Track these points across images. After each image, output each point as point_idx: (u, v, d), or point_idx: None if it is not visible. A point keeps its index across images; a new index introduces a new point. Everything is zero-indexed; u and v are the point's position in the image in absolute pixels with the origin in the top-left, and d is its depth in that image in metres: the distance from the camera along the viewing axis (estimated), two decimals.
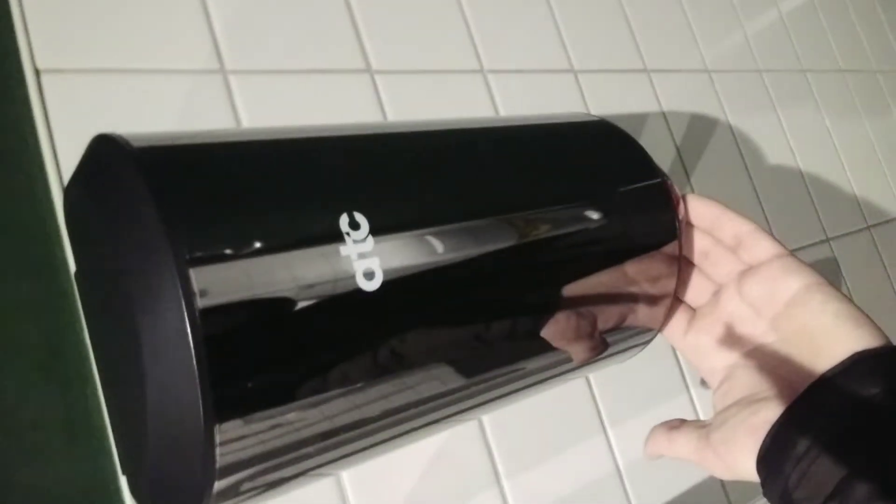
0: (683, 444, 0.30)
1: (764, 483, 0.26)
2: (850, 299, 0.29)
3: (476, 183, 0.28)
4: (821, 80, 0.78)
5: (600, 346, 0.32)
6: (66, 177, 0.31)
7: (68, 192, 0.26)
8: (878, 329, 0.27)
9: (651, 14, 0.62)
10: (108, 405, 0.30)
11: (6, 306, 0.30)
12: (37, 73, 0.32)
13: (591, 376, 0.45)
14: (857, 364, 0.26)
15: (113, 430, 0.30)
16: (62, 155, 0.32)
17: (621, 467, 0.45)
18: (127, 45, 0.35)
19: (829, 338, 0.27)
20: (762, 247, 0.31)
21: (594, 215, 0.30)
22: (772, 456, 0.26)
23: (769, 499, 0.26)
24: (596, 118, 0.36)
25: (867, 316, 0.28)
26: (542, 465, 0.42)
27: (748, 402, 0.28)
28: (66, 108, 0.32)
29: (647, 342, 0.35)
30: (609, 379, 0.46)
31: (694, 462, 0.30)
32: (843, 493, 0.23)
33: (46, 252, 0.31)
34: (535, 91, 0.51)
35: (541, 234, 0.28)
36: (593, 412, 0.45)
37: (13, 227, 0.31)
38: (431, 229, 0.25)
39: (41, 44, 0.33)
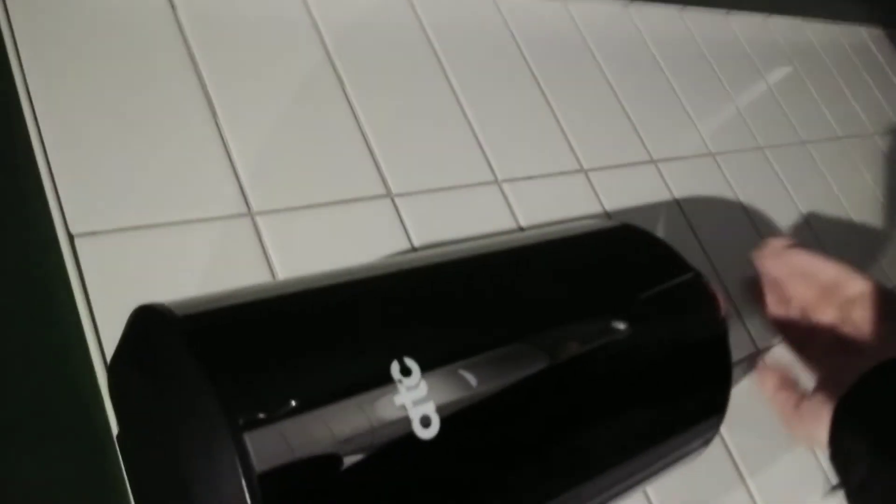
0: (782, 400, 0.36)
1: (830, 456, 0.31)
2: None
3: (516, 307, 0.28)
4: (822, 150, 0.79)
5: (663, 455, 0.31)
6: (105, 338, 0.32)
7: (113, 364, 0.26)
8: None
9: (648, 106, 0.64)
10: None
11: (48, 478, 0.29)
12: (70, 238, 0.33)
13: (650, 489, 0.44)
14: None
15: None
16: (99, 317, 0.32)
17: None
18: (156, 199, 0.36)
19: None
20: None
21: (636, 323, 0.30)
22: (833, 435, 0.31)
23: (834, 468, 0.31)
24: (618, 224, 0.36)
25: None
26: None
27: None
28: (102, 269, 0.33)
29: (708, 442, 0.34)
30: (663, 481, 0.44)
31: (781, 419, 0.36)
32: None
33: (88, 418, 0.31)
34: (549, 194, 0.51)
35: (588, 348, 0.28)
36: None
37: (53, 394, 0.31)
38: (481, 361, 0.25)
39: (73, 208, 0.34)
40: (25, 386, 0.30)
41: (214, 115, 0.40)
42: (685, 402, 0.32)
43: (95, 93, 0.37)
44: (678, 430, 0.31)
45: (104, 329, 0.32)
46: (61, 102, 0.35)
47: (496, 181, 0.49)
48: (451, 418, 0.22)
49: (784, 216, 0.69)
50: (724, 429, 0.38)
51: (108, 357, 0.31)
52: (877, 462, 0.27)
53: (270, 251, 0.38)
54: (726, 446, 0.50)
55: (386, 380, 0.22)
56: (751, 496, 0.49)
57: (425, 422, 0.22)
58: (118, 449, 0.30)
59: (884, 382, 0.30)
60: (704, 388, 0.33)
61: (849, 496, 0.29)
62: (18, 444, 0.29)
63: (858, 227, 0.76)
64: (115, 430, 0.31)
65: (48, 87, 0.35)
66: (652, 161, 0.60)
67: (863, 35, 1.04)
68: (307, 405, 0.21)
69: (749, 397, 0.43)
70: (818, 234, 0.70)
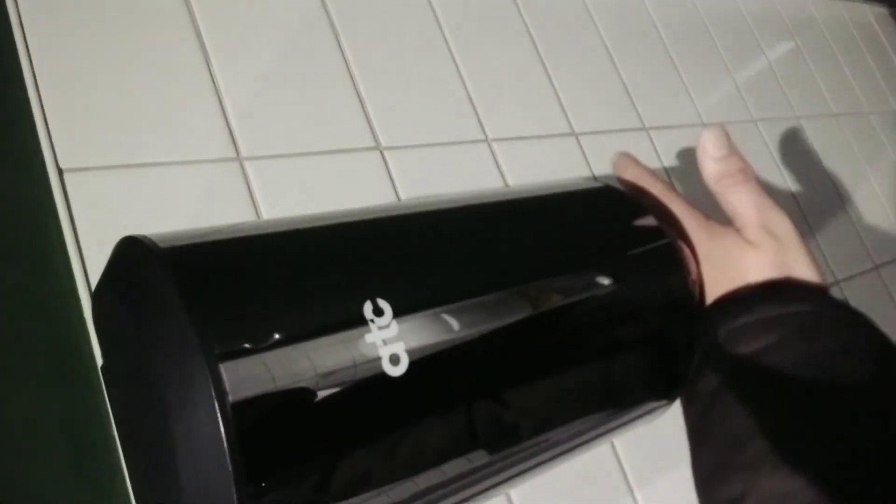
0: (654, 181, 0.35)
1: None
2: None
3: (491, 258, 0.29)
4: (815, 125, 0.79)
5: (625, 409, 0.32)
6: (92, 273, 0.32)
7: (97, 294, 0.26)
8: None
9: (644, 73, 0.64)
10: (137, 502, 0.30)
11: (34, 406, 0.30)
12: (60, 172, 0.33)
13: (617, 441, 0.45)
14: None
15: None
16: (87, 252, 0.32)
17: None
18: (145, 139, 0.36)
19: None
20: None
21: (606, 281, 0.31)
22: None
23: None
24: (601, 184, 0.37)
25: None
26: None
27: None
28: (90, 205, 0.33)
29: (672, 401, 0.35)
30: (632, 441, 0.46)
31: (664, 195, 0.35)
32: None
33: (73, 349, 0.32)
34: (539, 156, 0.52)
35: (556, 303, 0.29)
36: (620, 476, 0.45)
37: (40, 326, 0.31)
38: (451, 308, 0.25)
39: (63, 144, 0.34)
40: (13, 318, 0.31)
41: (207, 59, 0.40)
42: (650, 360, 0.33)
43: (89, 32, 0.37)
44: (642, 386, 0.32)
45: (90, 263, 0.32)
46: (55, 40, 0.36)
47: (486, 140, 0.50)
48: (419, 359, 0.23)
49: (772, 189, 0.69)
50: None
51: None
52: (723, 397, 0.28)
53: (258, 196, 0.38)
54: None
55: (359, 318, 0.23)
56: None
57: (394, 360, 0.23)
58: (102, 380, 0.31)
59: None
60: (670, 348, 0.33)
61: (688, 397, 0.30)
62: (6, 376, 0.30)
63: (845, 204, 0.77)
64: (100, 361, 0.31)
65: (42, 26, 0.35)
66: (644, 128, 0.61)
67: (867, 14, 1.03)
68: (282, 338, 0.22)
69: None
70: (803, 207, 0.71)
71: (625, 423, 0.33)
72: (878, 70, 0.96)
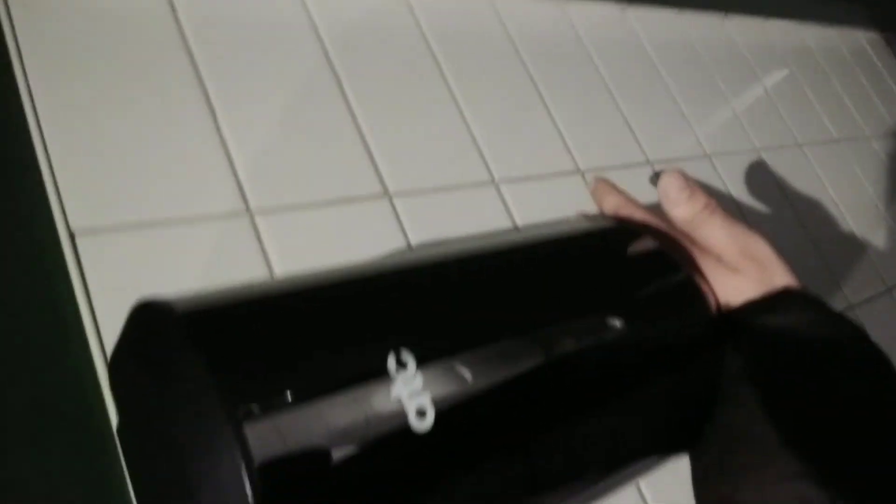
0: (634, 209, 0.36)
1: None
2: None
3: (511, 304, 0.28)
4: (817, 152, 0.79)
5: (656, 451, 0.31)
6: (105, 334, 0.32)
7: (114, 360, 0.26)
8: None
9: (644, 107, 0.65)
10: None
11: (48, 471, 0.30)
12: (71, 235, 0.33)
13: (644, 484, 0.44)
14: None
15: None
16: (100, 313, 0.32)
17: None
18: (155, 197, 0.36)
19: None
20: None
21: (626, 323, 0.30)
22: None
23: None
24: (613, 224, 0.37)
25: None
26: None
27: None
28: (102, 265, 0.33)
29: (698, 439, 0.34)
30: (657, 479, 0.45)
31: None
32: None
33: (88, 414, 0.31)
34: (545, 195, 0.52)
35: (582, 347, 0.28)
36: None
37: (54, 391, 0.31)
38: (475, 357, 0.25)
39: (73, 206, 0.34)
40: (27, 381, 0.31)
41: (213, 113, 0.40)
42: (675, 398, 0.32)
43: (95, 91, 0.37)
44: (669, 427, 0.31)
45: (104, 325, 0.32)
46: (62, 101, 0.36)
47: (493, 181, 0.50)
48: (446, 411, 0.23)
49: (778, 216, 0.69)
50: None
51: (109, 352, 0.32)
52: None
53: (269, 249, 0.38)
54: None
55: (382, 372, 0.22)
56: None
57: (421, 413, 0.22)
58: (118, 442, 0.31)
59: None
60: (694, 386, 0.33)
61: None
62: (20, 438, 0.29)
63: (853, 228, 0.77)
64: (115, 424, 0.31)
65: (49, 85, 0.36)
66: (648, 162, 0.61)
67: (860, 39, 1.05)
68: (305, 398, 0.22)
69: None
70: (812, 234, 0.71)
71: (654, 464, 0.32)
72: (875, 94, 0.97)
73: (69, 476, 0.30)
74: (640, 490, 0.44)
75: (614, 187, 0.38)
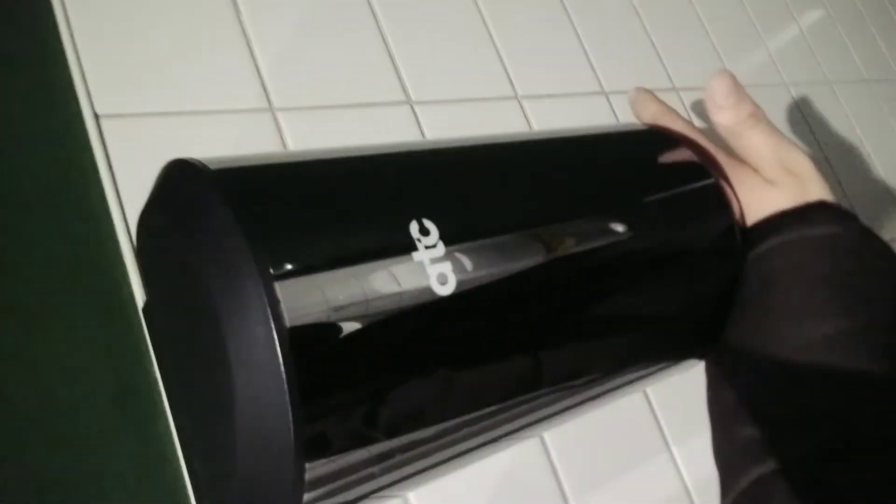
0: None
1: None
2: None
3: (538, 190, 0.28)
4: (847, 91, 0.78)
5: (667, 350, 0.31)
6: (130, 217, 0.32)
7: (142, 219, 0.26)
8: None
9: (674, 35, 0.63)
10: (182, 440, 0.30)
11: (77, 347, 0.30)
12: (96, 117, 0.33)
13: (651, 393, 0.45)
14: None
15: (187, 466, 0.30)
16: (125, 195, 0.33)
17: (689, 486, 0.44)
18: (180, 88, 0.36)
19: None
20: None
21: (652, 220, 0.30)
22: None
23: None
24: (645, 127, 0.36)
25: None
26: (608, 485, 0.41)
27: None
28: (126, 150, 0.33)
29: (706, 354, 0.35)
30: (668, 395, 0.45)
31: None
32: None
33: (114, 291, 0.32)
34: (568, 113, 0.51)
35: (605, 241, 0.28)
36: (655, 430, 0.44)
37: (81, 269, 0.32)
38: (498, 236, 0.25)
39: (99, 91, 0.34)
40: (54, 261, 0.31)
41: (237, 9, 0.40)
42: (694, 301, 0.32)
43: None
44: (686, 329, 0.32)
45: (128, 205, 0.32)
46: None
47: (516, 97, 0.49)
48: (466, 277, 0.23)
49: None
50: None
51: (133, 232, 0.32)
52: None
53: (290, 147, 0.38)
54: None
55: (406, 238, 0.23)
56: None
57: (442, 279, 0.23)
58: (143, 321, 0.31)
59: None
60: (714, 291, 0.33)
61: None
62: (50, 317, 0.30)
63: (878, 168, 0.75)
64: (140, 304, 0.31)
65: None
66: (674, 88, 0.60)
67: None
68: (333, 258, 0.22)
69: None
70: (837, 172, 0.70)
71: (662, 368, 0.32)
72: None
73: (96, 354, 0.31)
74: (647, 395, 0.45)
75: (654, 97, 0.37)
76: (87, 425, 0.29)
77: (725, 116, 0.33)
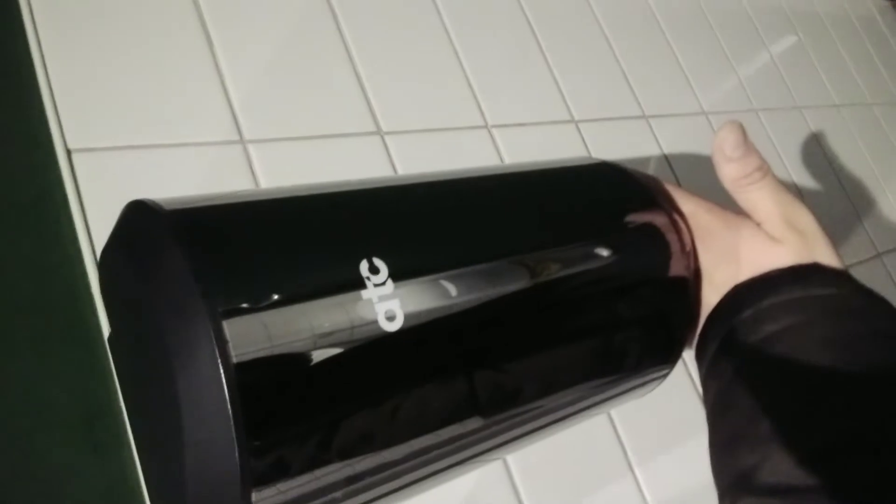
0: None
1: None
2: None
3: (486, 226, 0.29)
4: (816, 116, 0.79)
5: (620, 375, 0.32)
6: (98, 248, 0.33)
7: (104, 257, 0.27)
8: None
9: (645, 63, 0.65)
10: (143, 469, 0.31)
11: (44, 376, 0.31)
12: (68, 153, 0.34)
13: (615, 416, 0.46)
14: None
15: (150, 495, 0.30)
16: (94, 228, 0.33)
17: None
18: (152, 121, 0.37)
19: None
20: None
21: (599, 249, 0.31)
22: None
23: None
24: (597, 160, 0.37)
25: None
26: None
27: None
28: (97, 183, 0.34)
29: (665, 375, 0.36)
30: (631, 418, 0.46)
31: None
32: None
33: (81, 321, 0.32)
34: (538, 142, 0.52)
35: (553, 273, 0.29)
36: (620, 453, 0.45)
37: (49, 299, 0.32)
38: (447, 272, 0.26)
39: (71, 125, 0.35)
40: (24, 291, 0.32)
41: (210, 43, 0.41)
42: (643, 326, 0.33)
43: (97, 18, 0.38)
44: (637, 353, 0.32)
45: (97, 237, 0.33)
46: (63, 23, 0.37)
47: (486, 126, 0.50)
48: (414, 314, 0.24)
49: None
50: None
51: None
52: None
53: (261, 178, 0.39)
54: (698, 391, 0.52)
55: (355, 277, 0.24)
56: None
57: (390, 315, 0.24)
58: (109, 351, 0.32)
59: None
60: (664, 321, 0.34)
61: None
62: (17, 346, 0.31)
63: (847, 193, 0.77)
64: (106, 333, 0.32)
65: (52, 12, 0.36)
66: (643, 116, 0.61)
67: (869, 6, 1.04)
68: (283, 297, 0.23)
69: None
70: (805, 195, 0.71)
71: (622, 392, 0.33)
72: (881, 62, 0.97)
73: (62, 383, 0.32)
74: (610, 417, 0.46)
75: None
76: (52, 452, 0.30)
77: (733, 169, 0.33)
